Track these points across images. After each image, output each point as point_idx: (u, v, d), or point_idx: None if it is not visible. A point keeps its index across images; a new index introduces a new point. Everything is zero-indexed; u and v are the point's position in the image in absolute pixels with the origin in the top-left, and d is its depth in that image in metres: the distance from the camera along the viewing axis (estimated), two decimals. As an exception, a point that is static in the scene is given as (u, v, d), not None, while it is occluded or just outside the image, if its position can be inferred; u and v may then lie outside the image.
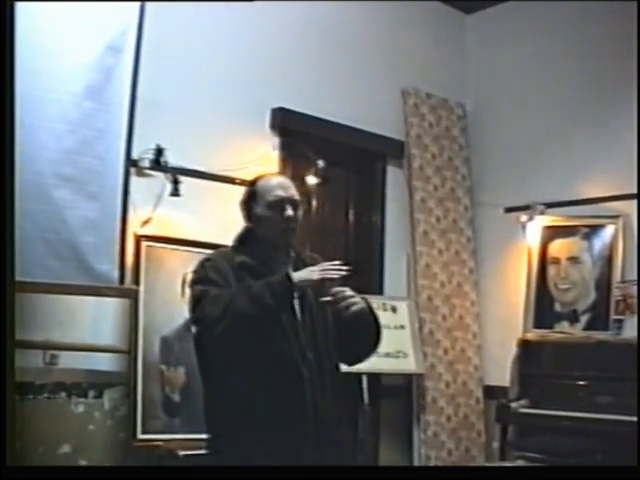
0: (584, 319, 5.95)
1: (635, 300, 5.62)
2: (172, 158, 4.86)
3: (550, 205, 6.18)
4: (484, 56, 6.85)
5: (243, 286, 2.91)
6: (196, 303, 2.96)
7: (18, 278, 2.94)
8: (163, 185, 4.88)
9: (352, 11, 6.12)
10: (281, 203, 3.08)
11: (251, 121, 5.45)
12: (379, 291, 6.19)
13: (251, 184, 3.20)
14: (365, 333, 3.13)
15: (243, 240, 3.16)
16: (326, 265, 2.95)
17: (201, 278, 3.04)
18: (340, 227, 6.21)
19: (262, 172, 5.17)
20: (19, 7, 3.52)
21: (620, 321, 5.70)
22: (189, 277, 3.21)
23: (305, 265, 3.10)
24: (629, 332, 5.61)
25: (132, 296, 4.59)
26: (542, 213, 6.19)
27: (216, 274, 2.99)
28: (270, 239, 3.10)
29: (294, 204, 3.11)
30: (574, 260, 6.07)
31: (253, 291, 2.87)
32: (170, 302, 4.76)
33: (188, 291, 3.13)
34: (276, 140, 5.57)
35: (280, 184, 3.14)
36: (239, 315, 2.82)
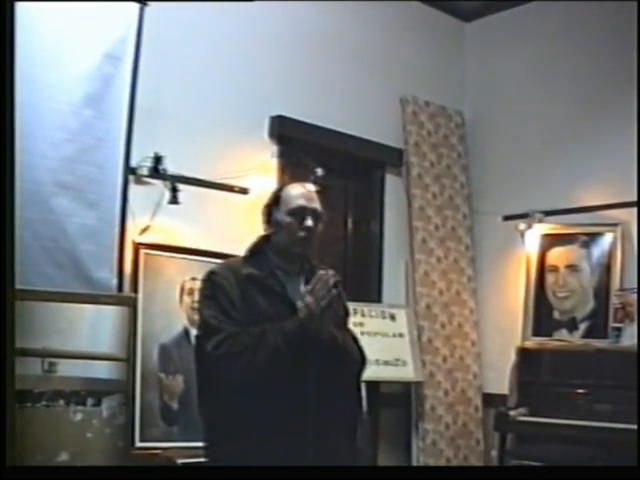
0: (583, 327, 5.95)
1: (634, 308, 5.62)
2: (171, 166, 4.86)
3: (549, 213, 6.18)
4: (483, 64, 6.86)
5: (257, 332, 2.89)
6: (208, 334, 2.95)
7: (17, 286, 2.93)
8: (162, 193, 4.88)
9: (351, 19, 6.14)
10: (302, 212, 3.07)
11: (249, 129, 5.46)
12: (378, 299, 6.20)
13: (277, 190, 3.20)
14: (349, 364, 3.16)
15: (255, 251, 3.15)
16: (316, 288, 2.94)
17: (206, 296, 3.04)
18: (339, 235, 6.20)
19: (260, 180, 5.25)
20: (19, 15, 3.52)
21: (619, 329, 5.69)
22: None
23: None
24: (628, 340, 5.60)
25: (131, 304, 4.59)
26: (541, 221, 6.19)
27: (221, 291, 2.99)
28: (285, 247, 3.09)
29: (315, 216, 3.10)
30: (573, 268, 6.07)
31: (267, 340, 2.86)
32: (169, 310, 4.77)
33: (198, 313, 3.12)
34: (274, 148, 5.58)
35: (304, 194, 3.13)
36: (254, 365, 2.84)
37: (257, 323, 2.92)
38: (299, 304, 2.95)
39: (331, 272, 2.97)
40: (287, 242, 3.08)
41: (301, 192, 3.14)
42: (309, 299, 2.92)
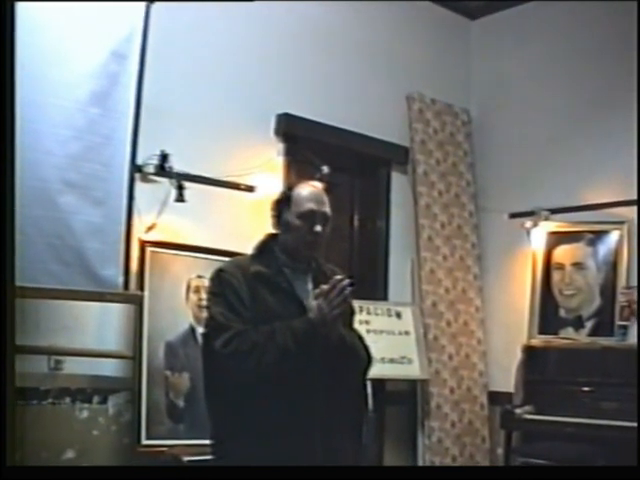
0: (589, 325, 5.95)
1: (640, 306, 5.63)
2: (177, 164, 4.87)
3: (555, 211, 6.18)
4: (489, 62, 6.85)
5: (266, 331, 2.88)
6: (216, 331, 2.94)
7: (23, 284, 2.94)
8: (168, 191, 4.88)
9: (356, 17, 6.13)
10: (312, 216, 3.05)
11: (256, 127, 5.46)
12: (384, 297, 6.20)
13: (288, 188, 3.19)
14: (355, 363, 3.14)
15: (262, 249, 3.14)
16: (331, 294, 2.90)
17: (215, 294, 3.04)
18: (345, 233, 6.21)
19: (266, 178, 5.26)
20: (25, 13, 3.53)
21: (625, 327, 5.69)
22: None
23: (326, 278, 3.07)
24: (634, 338, 5.61)
25: (137, 301, 4.59)
26: (547, 219, 6.19)
27: (229, 289, 2.98)
28: (293, 249, 3.08)
29: (325, 219, 3.08)
30: (579, 266, 6.07)
31: (277, 339, 2.85)
32: (175, 307, 4.77)
33: (206, 310, 3.12)
34: (281, 146, 5.58)
35: (315, 196, 3.11)
36: (263, 364, 2.83)
37: (265, 321, 2.92)
38: (311, 303, 2.95)
39: (347, 281, 2.93)
40: (295, 244, 3.08)
41: (312, 194, 3.11)
42: (323, 304, 2.89)
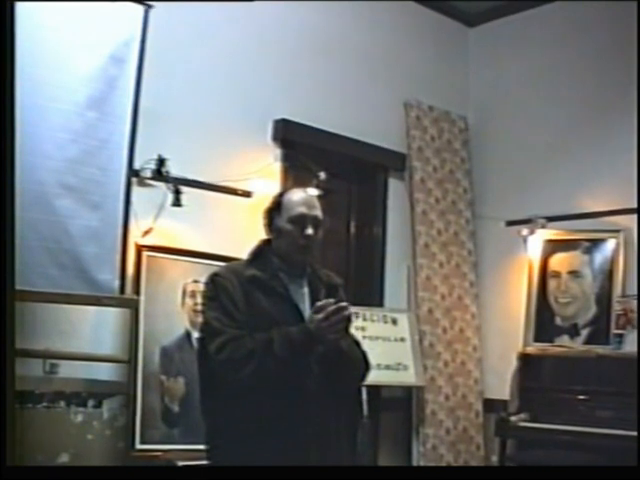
0: (584, 333, 5.94)
1: (635, 314, 5.61)
2: (174, 168, 4.87)
3: (551, 219, 6.18)
4: (487, 69, 6.86)
5: (263, 339, 2.89)
6: (210, 336, 2.97)
7: (19, 287, 2.93)
8: (165, 195, 4.88)
9: (355, 23, 6.14)
10: (302, 220, 3.06)
11: (253, 132, 5.46)
12: (379, 303, 6.19)
13: (279, 195, 3.20)
14: (352, 369, 3.15)
15: (257, 254, 3.15)
16: (329, 309, 2.89)
17: (209, 298, 3.06)
18: (341, 239, 6.21)
19: (264, 183, 5.26)
20: (24, 16, 3.53)
21: (621, 335, 5.68)
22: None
23: (321, 282, 3.13)
24: (630, 346, 5.60)
25: (133, 306, 4.59)
26: (543, 227, 6.19)
27: (223, 293, 2.99)
28: (286, 254, 3.09)
29: (316, 223, 3.09)
30: (575, 274, 6.07)
31: (274, 348, 2.86)
32: (171, 312, 4.77)
33: (202, 315, 3.14)
34: (278, 151, 5.58)
35: (305, 201, 3.12)
36: (259, 373, 2.84)
37: (260, 325, 2.93)
38: (311, 316, 2.93)
39: (350, 311, 2.94)
40: (288, 249, 3.09)
41: (302, 198, 3.13)
42: (324, 324, 2.88)
